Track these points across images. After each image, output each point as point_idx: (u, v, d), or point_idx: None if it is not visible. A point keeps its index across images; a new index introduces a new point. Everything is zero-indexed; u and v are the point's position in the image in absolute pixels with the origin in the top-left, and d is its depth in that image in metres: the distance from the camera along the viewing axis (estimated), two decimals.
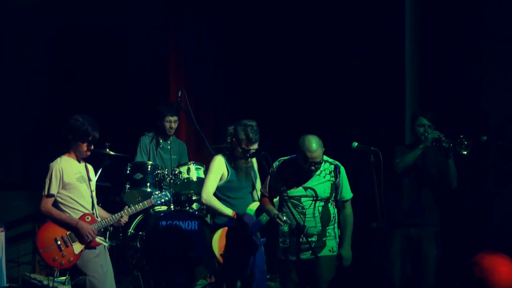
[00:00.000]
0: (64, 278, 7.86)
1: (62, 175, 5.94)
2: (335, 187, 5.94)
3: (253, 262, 6.31)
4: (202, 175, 7.90)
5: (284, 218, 5.65)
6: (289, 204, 5.72)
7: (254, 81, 9.81)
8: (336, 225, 5.99)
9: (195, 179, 7.87)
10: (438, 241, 6.81)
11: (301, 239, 5.63)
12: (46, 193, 5.93)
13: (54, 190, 5.93)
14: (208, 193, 6.28)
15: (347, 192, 6.05)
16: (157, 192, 6.75)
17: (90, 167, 6.26)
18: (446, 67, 8.25)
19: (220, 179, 6.33)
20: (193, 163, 7.97)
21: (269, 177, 5.95)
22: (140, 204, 6.37)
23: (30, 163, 9.55)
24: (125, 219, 6.23)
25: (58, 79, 9.81)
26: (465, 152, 6.45)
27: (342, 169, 6.02)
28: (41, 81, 9.77)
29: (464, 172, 7.72)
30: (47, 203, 5.94)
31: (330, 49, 9.17)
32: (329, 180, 5.89)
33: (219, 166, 6.35)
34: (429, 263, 6.69)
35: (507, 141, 7.63)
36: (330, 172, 5.92)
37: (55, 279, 7.86)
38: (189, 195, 8.12)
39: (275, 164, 5.94)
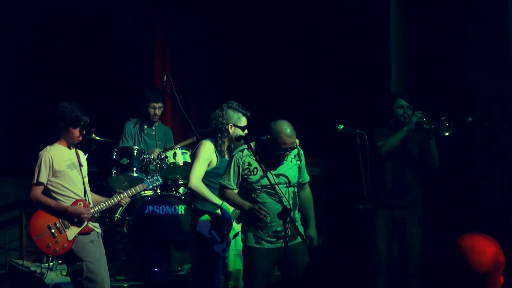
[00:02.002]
0: (52, 264, 7.85)
1: (52, 163, 5.90)
2: (300, 170, 5.83)
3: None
4: (188, 160, 7.88)
5: (266, 208, 5.51)
6: (277, 188, 5.61)
7: (240, 66, 9.81)
8: (297, 209, 5.88)
9: (181, 164, 7.86)
10: (422, 221, 6.82)
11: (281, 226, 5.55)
12: (35, 181, 5.88)
13: (43, 178, 5.88)
14: (197, 180, 6.15)
15: (307, 174, 5.94)
16: (149, 177, 6.72)
17: (81, 152, 6.22)
18: (432, 48, 8.27)
19: (208, 165, 6.21)
20: (179, 148, 7.95)
21: (232, 166, 5.67)
22: (132, 189, 6.32)
23: (18, 149, 9.52)
24: (126, 200, 6.19)
25: (44, 65, 9.77)
26: (447, 134, 6.46)
27: (302, 151, 5.88)
28: (27, 67, 9.72)
29: (451, 153, 7.77)
30: (37, 191, 5.89)
31: (315, 30, 9.18)
32: (295, 164, 5.76)
33: (209, 152, 6.21)
34: (414, 243, 6.71)
35: (492, 122, 7.65)
36: (295, 156, 5.77)
37: (42, 265, 7.85)
38: (176, 180, 8.12)
39: (238, 154, 5.69)
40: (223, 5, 9.90)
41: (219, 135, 6.25)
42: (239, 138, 5.97)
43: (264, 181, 5.57)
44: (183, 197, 7.85)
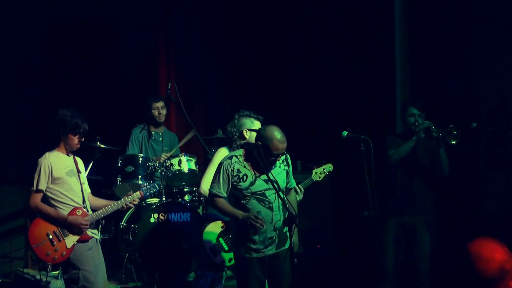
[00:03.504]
0: (57, 272, 7.84)
1: (51, 170, 5.91)
2: (288, 175, 5.80)
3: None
4: (194, 167, 7.89)
5: (261, 217, 5.47)
6: (281, 195, 5.57)
7: (245, 72, 9.81)
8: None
9: (186, 171, 7.86)
10: (432, 229, 6.78)
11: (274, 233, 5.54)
12: (34, 188, 5.90)
13: (43, 185, 5.90)
14: (207, 185, 6.07)
15: (293, 179, 5.91)
16: (146, 184, 6.71)
17: (79, 159, 6.23)
18: (437, 54, 8.26)
19: None
20: (184, 155, 7.95)
21: (221, 173, 5.58)
22: (130, 196, 6.32)
23: (22, 157, 9.53)
24: (135, 202, 6.23)
25: (49, 74, 9.79)
26: (454, 142, 6.43)
27: (289, 156, 5.83)
28: (32, 75, 9.74)
29: (456, 159, 7.75)
30: (36, 199, 5.91)
31: (321, 38, 9.17)
32: (284, 169, 5.73)
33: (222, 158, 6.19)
34: (424, 250, 6.68)
35: (497, 127, 7.64)
36: (283, 161, 5.73)
37: (48, 273, 7.83)
38: (181, 187, 8.12)
39: (227, 162, 5.61)
40: (226, 11, 9.91)
41: (235, 143, 6.29)
42: (244, 144, 5.97)
43: (254, 188, 5.54)
44: (188, 204, 7.84)
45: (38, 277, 8.08)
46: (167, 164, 7.87)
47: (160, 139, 8.45)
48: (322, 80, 9.07)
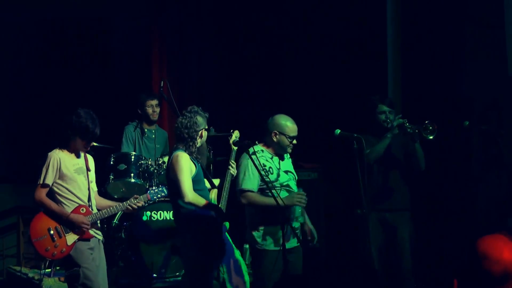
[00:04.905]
0: (50, 270, 7.84)
1: (59, 166, 5.88)
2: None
3: (228, 251, 6.26)
4: None
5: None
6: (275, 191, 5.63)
7: (237, 71, 9.81)
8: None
9: None
10: (411, 224, 6.80)
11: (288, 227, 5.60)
12: (41, 182, 5.87)
13: (49, 180, 5.87)
14: (192, 192, 5.86)
15: None
16: (154, 187, 6.68)
17: (90, 157, 6.20)
18: (429, 53, 8.27)
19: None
20: None
21: (250, 169, 5.71)
22: (136, 199, 6.26)
23: (15, 156, 9.51)
24: (139, 204, 6.20)
25: (42, 72, 9.76)
26: (431, 137, 6.47)
27: None
28: (24, 73, 9.71)
29: (448, 157, 7.77)
30: (41, 193, 5.88)
31: (312, 36, 9.19)
32: (290, 160, 5.97)
33: (188, 163, 5.98)
34: (405, 246, 6.69)
35: (490, 126, 7.65)
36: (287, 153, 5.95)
37: (41, 271, 7.83)
38: None
39: (253, 157, 5.67)
40: (220, 12, 9.90)
41: (192, 142, 6.09)
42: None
43: (281, 179, 5.74)
44: None
45: (30, 275, 8.09)
46: (160, 162, 7.88)
47: (153, 136, 8.46)
48: (315, 78, 9.09)
